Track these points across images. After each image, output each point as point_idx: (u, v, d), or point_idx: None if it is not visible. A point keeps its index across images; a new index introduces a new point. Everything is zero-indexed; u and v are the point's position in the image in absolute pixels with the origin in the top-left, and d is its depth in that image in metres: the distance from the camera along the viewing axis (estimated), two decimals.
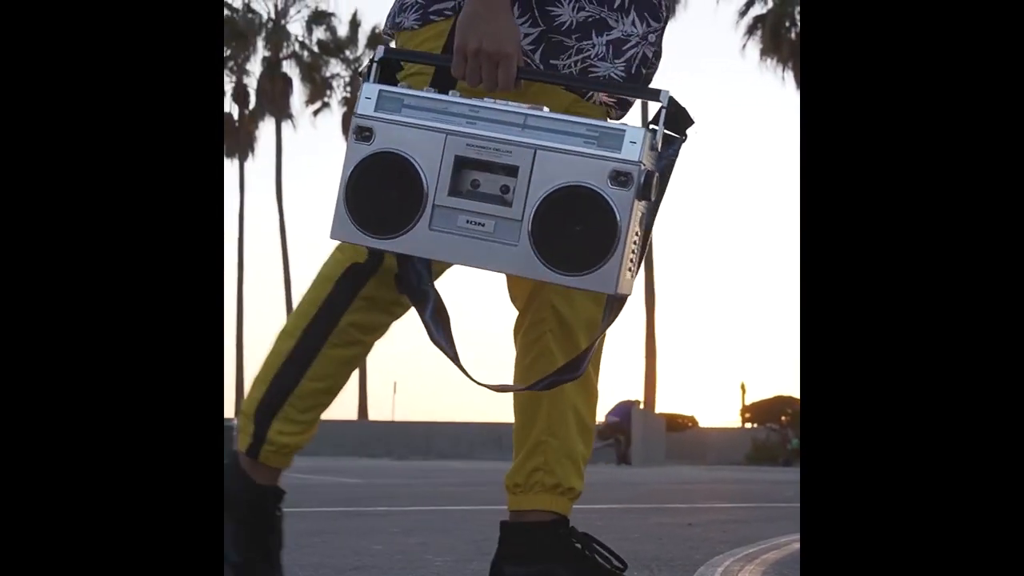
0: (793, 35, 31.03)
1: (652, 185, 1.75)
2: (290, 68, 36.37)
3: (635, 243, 1.76)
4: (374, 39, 36.44)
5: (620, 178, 1.73)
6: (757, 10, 31.70)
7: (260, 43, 36.36)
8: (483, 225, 1.78)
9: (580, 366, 1.86)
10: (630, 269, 1.77)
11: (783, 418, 30.19)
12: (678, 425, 29.84)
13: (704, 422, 32.68)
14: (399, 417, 32.56)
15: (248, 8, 36.05)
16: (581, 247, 1.74)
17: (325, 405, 2.09)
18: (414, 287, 1.89)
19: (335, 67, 36.79)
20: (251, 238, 46.36)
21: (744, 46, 32.88)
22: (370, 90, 1.84)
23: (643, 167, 1.73)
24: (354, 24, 36.70)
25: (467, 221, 1.79)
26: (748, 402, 32.38)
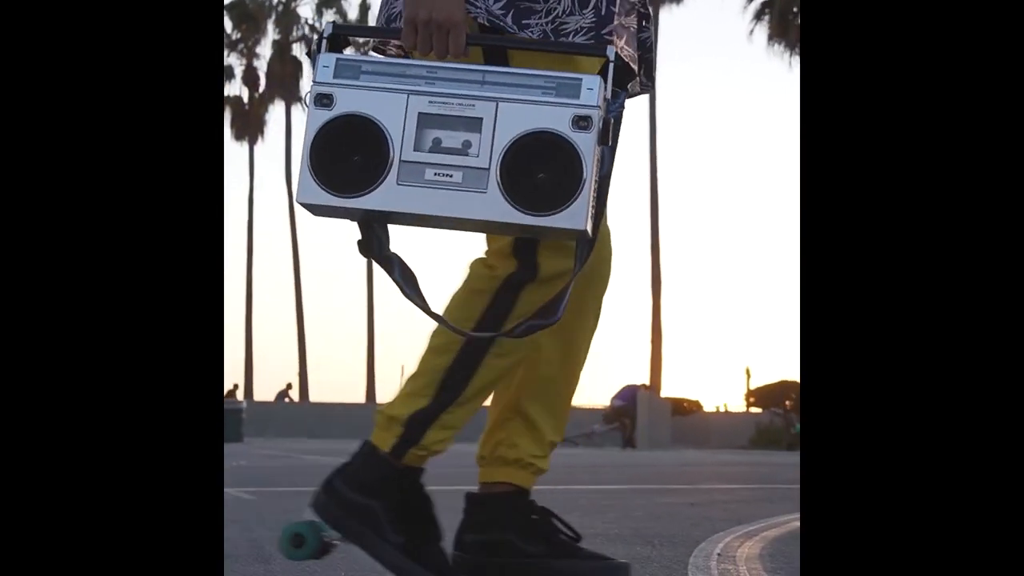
0: (800, 20, 31.08)
1: (610, 130, 1.83)
2: (300, 51, 36.48)
3: (594, 188, 1.83)
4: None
5: (581, 122, 1.81)
6: None
7: (270, 26, 36.47)
8: (451, 176, 1.84)
9: (557, 310, 1.90)
10: (591, 214, 1.83)
11: (787, 402, 30.22)
12: (683, 409, 29.92)
13: (709, 406, 32.80)
14: None
15: None
16: (550, 188, 1.81)
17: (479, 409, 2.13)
18: (377, 253, 1.94)
19: (345, 50, 36.85)
20: (260, 220, 46.36)
21: (752, 31, 32.94)
22: (327, 59, 1.90)
23: (601, 112, 1.82)
24: (364, 7, 36.76)
25: (435, 173, 1.84)
26: (753, 387, 32.43)
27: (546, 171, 1.82)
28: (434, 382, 2.03)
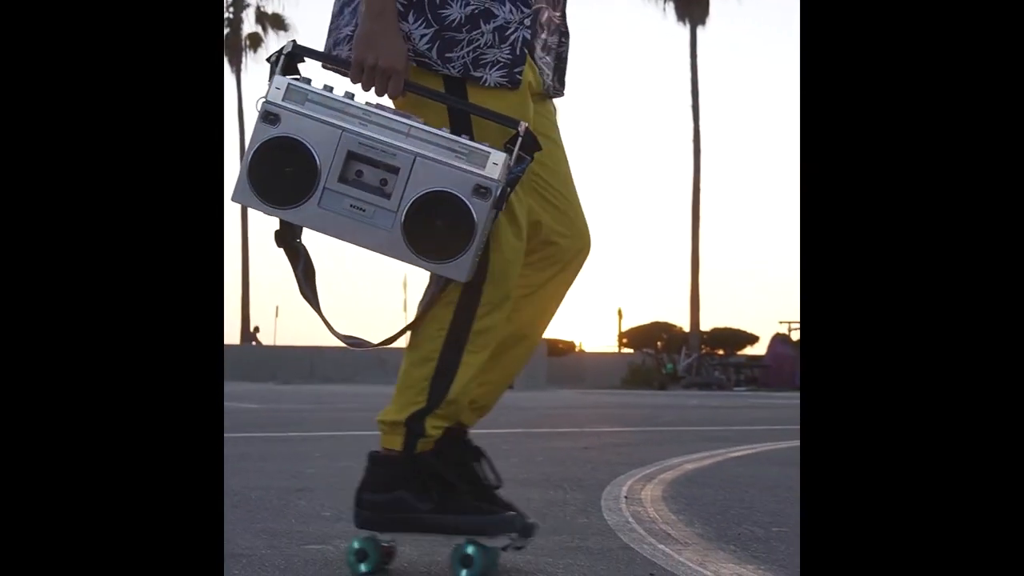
0: None
1: (505, 197, 2.14)
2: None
3: (481, 244, 2.14)
4: None
5: (481, 191, 2.11)
6: None
7: None
8: (364, 210, 2.13)
9: (418, 326, 2.23)
10: (475, 264, 2.14)
11: (658, 343, 31.08)
12: (558, 350, 30.49)
13: (585, 348, 33.44)
14: (281, 341, 32.56)
15: None
16: (443, 241, 2.12)
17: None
18: (289, 243, 2.23)
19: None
20: None
21: None
22: (280, 81, 2.16)
23: (499, 184, 2.12)
24: None
25: (351, 205, 2.14)
26: (625, 328, 33.16)
27: (443, 224, 2.12)
28: (424, 390, 2.27)
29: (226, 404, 11.60)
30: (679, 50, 46.34)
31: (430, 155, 2.12)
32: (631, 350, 31.84)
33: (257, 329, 34.39)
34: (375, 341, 2.28)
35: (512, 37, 2.21)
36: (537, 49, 2.30)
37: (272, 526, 2.87)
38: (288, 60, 2.19)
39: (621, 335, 32.98)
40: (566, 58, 2.44)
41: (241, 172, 2.15)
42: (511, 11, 2.21)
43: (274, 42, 36.30)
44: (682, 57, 38.62)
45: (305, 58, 2.23)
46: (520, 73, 2.21)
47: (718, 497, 3.58)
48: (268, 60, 2.20)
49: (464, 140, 2.13)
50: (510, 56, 2.20)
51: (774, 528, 2.93)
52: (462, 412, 2.32)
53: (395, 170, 2.12)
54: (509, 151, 2.13)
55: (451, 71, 2.18)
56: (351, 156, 2.13)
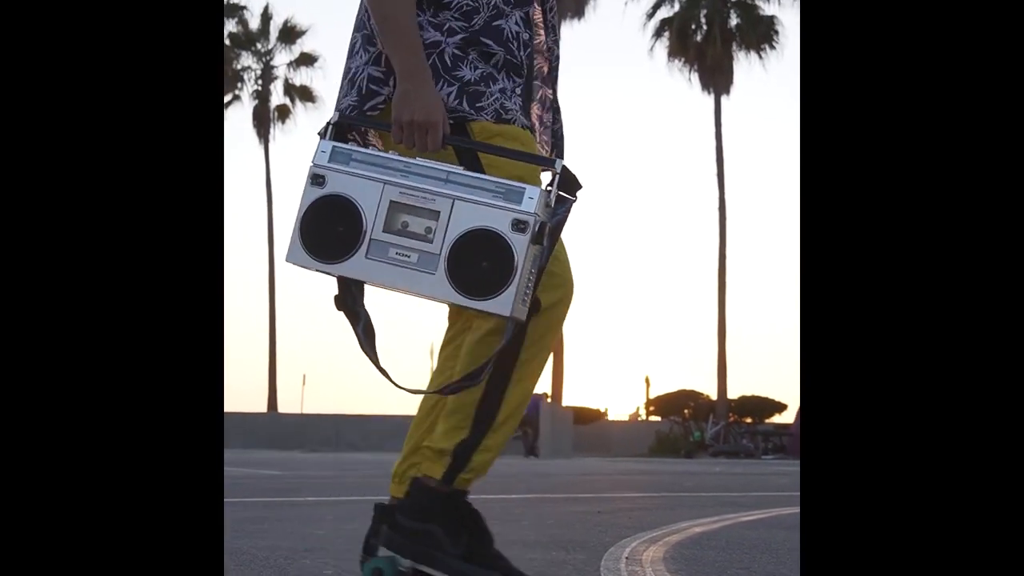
0: (699, 37, 31.81)
1: (544, 233, 2.19)
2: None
3: (529, 279, 2.19)
4: (285, 32, 36.46)
5: (519, 225, 2.17)
6: (664, 13, 32.43)
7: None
8: (409, 257, 2.21)
9: (480, 376, 2.26)
10: (524, 300, 2.19)
11: (685, 411, 30.95)
12: (585, 418, 30.40)
13: (611, 415, 33.31)
14: (308, 410, 32.65)
15: None
16: (486, 278, 2.17)
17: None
18: (349, 307, 2.29)
19: (246, 60, 36.84)
20: None
21: (652, 48, 33.63)
22: (326, 145, 2.27)
23: (537, 218, 2.18)
24: (265, 17, 36.71)
25: (396, 253, 2.21)
26: (652, 395, 33.03)
27: (485, 262, 2.18)
28: (469, 415, 2.36)
29: (249, 471, 11.70)
30: (704, 119, 46.62)
31: (468, 196, 2.20)
32: (658, 418, 31.73)
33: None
34: (431, 388, 2.37)
35: (514, 99, 2.36)
36: (537, 125, 2.43)
37: None
38: (336, 130, 2.31)
39: (648, 403, 32.88)
40: (562, 135, 2.56)
41: (293, 233, 2.25)
42: (505, 78, 2.36)
43: (302, 114, 36.75)
44: (707, 126, 38.93)
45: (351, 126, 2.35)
46: (530, 129, 2.37)
47: (718, 558, 3.60)
48: (319, 133, 2.31)
49: (500, 180, 2.21)
50: (522, 102, 2.38)
51: None
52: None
53: (436, 215, 2.20)
54: (548, 192, 2.21)
55: (486, 118, 2.31)
56: (394, 206, 2.22)
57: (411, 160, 2.24)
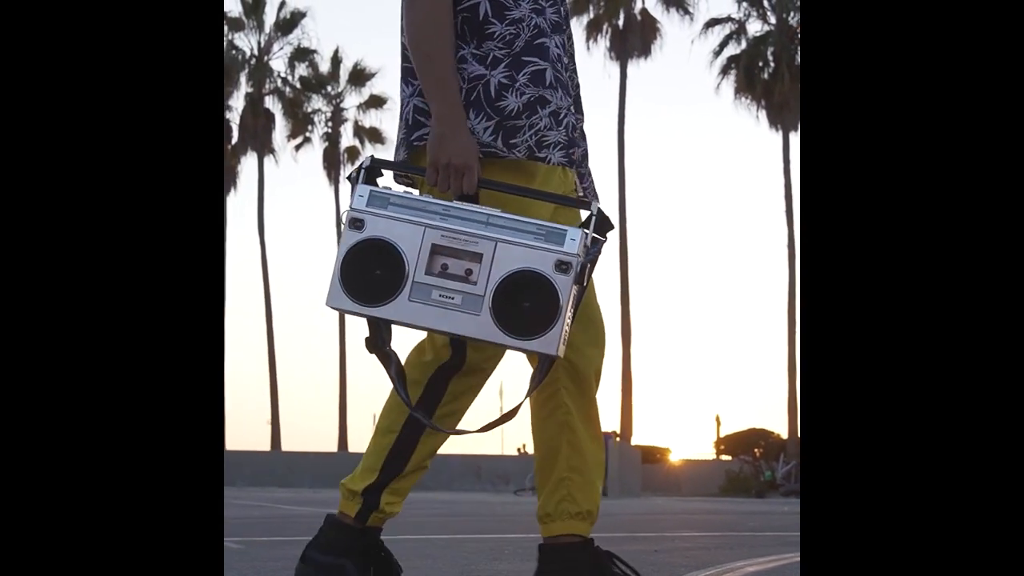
0: (766, 75, 31.73)
1: (586, 273, 2.21)
2: (272, 104, 36.75)
3: (569, 318, 2.21)
4: (355, 75, 36.91)
5: (563, 266, 2.19)
6: (731, 50, 32.39)
7: (243, 79, 36.72)
8: (452, 298, 2.22)
9: (517, 413, 2.30)
10: (564, 339, 2.21)
11: (756, 450, 30.63)
12: (653, 457, 30.19)
13: (679, 454, 33.08)
14: None
15: (232, 45, 36.44)
16: (531, 318, 2.19)
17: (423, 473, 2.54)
18: (380, 349, 2.31)
19: (317, 103, 37.27)
20: (233, 271, 46.34)
21: (718, 86, 33.59)
22: (363, 189, 2.28)
23: (580, 259, 2.20)
24: (336, 61, 37.16)
25: (439, 295, 2.22)
26: (722, 434, 32.76)
27: (529, 303, 2.20)
28: (381, 459, 2.44)
29: (312, 509, 11.72)
30: (771, 156, 46.35)
31: (510, 239, 2.22)
32: (728, 457, 31.42)
33: None
34: (474, 428, 2.39)
35: (565, 121, 2.38)
36: (577, 155, 2.45)
37: None
38: (368, 174, 2.32)
39: (718, 442, 32.61)
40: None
41: (333, 278, 2.25)
42: (561, 97, 2.38)
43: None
44: (774, 162, 38.67)
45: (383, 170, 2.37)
46: (574, 154, 2.40)
47: None
48: (348, 178, 2.33)
49: (540, 222, 2.23)
50: (566, 138, 2.38)
51: None
52: (575, 521, 2.47)
53: (478, 257, 2.22)
54: (586, 233, 2.23)
55: (517, 155, 2.33)
56: (435, 249, 2.23)
57: (450, 203, 2.25)
